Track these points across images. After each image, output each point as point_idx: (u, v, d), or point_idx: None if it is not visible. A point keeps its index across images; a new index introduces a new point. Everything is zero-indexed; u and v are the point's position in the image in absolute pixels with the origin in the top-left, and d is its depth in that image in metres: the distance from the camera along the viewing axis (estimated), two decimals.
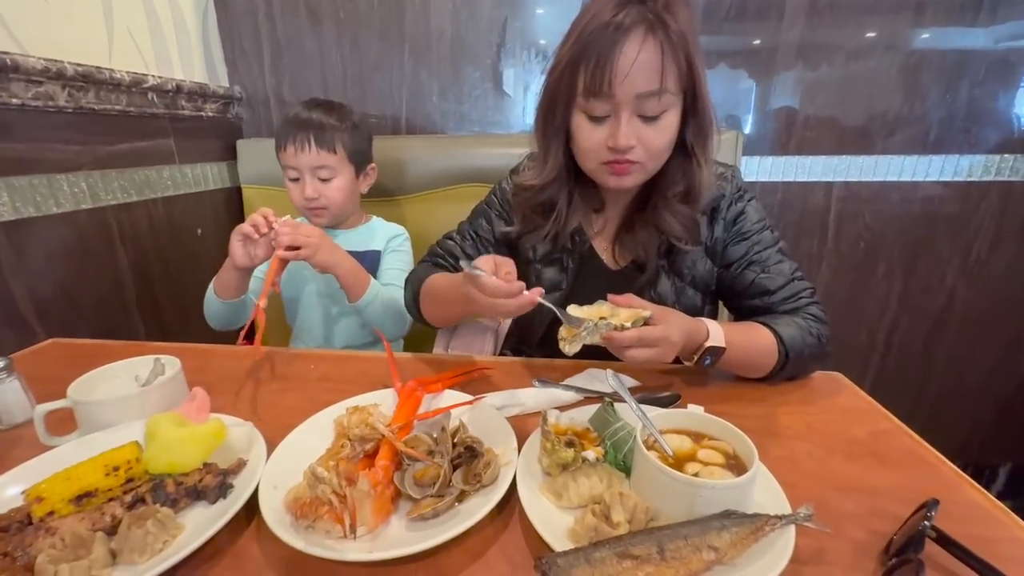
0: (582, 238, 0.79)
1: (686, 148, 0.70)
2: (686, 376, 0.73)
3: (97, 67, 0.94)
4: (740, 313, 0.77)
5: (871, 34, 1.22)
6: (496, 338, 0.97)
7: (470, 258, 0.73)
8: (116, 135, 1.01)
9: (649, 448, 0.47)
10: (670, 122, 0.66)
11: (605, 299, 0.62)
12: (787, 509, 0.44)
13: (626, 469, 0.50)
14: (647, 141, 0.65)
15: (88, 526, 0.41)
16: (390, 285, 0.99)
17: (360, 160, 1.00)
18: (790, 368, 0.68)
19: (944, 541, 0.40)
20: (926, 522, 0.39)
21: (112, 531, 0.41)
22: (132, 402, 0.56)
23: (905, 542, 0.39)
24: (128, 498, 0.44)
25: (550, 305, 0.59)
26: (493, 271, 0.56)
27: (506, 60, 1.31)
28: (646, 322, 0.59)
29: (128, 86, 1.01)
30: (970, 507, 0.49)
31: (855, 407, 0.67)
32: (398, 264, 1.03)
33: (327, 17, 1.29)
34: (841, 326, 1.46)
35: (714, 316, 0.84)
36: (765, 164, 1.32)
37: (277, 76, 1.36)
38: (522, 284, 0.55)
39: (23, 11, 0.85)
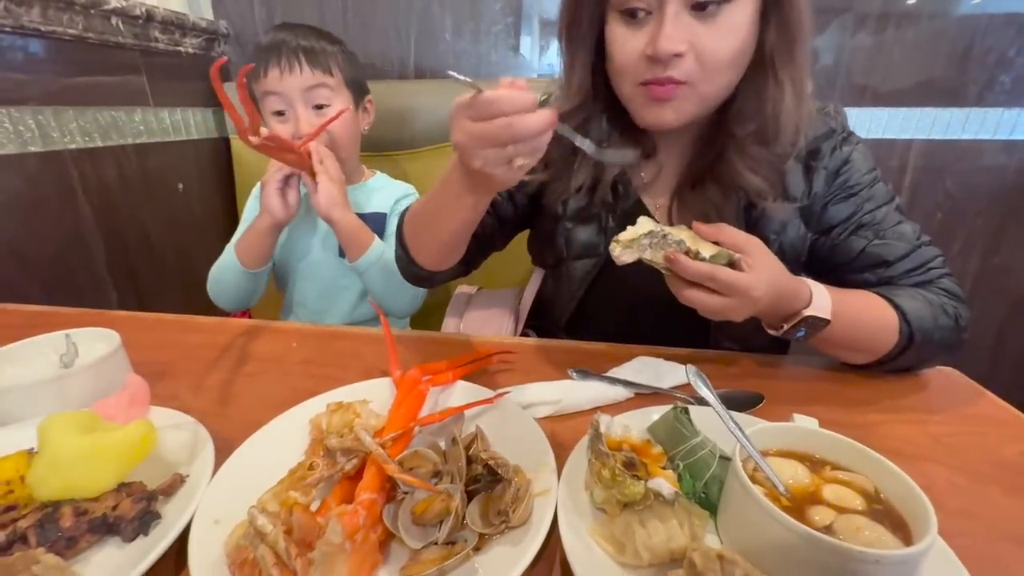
0: (626, 190, 0.62)
1: (764, 63, 0.51)
2: (754, 369, 0.57)
3: None
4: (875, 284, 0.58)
5: None
6: (517, 316, 0.82)
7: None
8: (71, 65, 0.86)
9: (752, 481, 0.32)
10: (738, 20, 0.48)
11: (689, 227, 0.48)
12: None
13: (709, 505, 0.36)
14: (702, 47, 0.48)
15: None
16: None
17: (358, 89, 0.84)
18: (912, 355, 0.52)
19: None
20: None
21: None
22: (46, 390, 0.43)
23: None
24: (1, 536, 0.30)
25: (568, 130, 0.43)
26: (510, 84, 0.38)
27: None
28: (732, 264, 0.46)
29: (84, 6, 0.85)
30: None
31: (991, 416, 0.51)
32: None
33: None
34: None
35: None
36: None
37: (268, 10, 1.18)
38: (535, 96, 0.38)
39: None
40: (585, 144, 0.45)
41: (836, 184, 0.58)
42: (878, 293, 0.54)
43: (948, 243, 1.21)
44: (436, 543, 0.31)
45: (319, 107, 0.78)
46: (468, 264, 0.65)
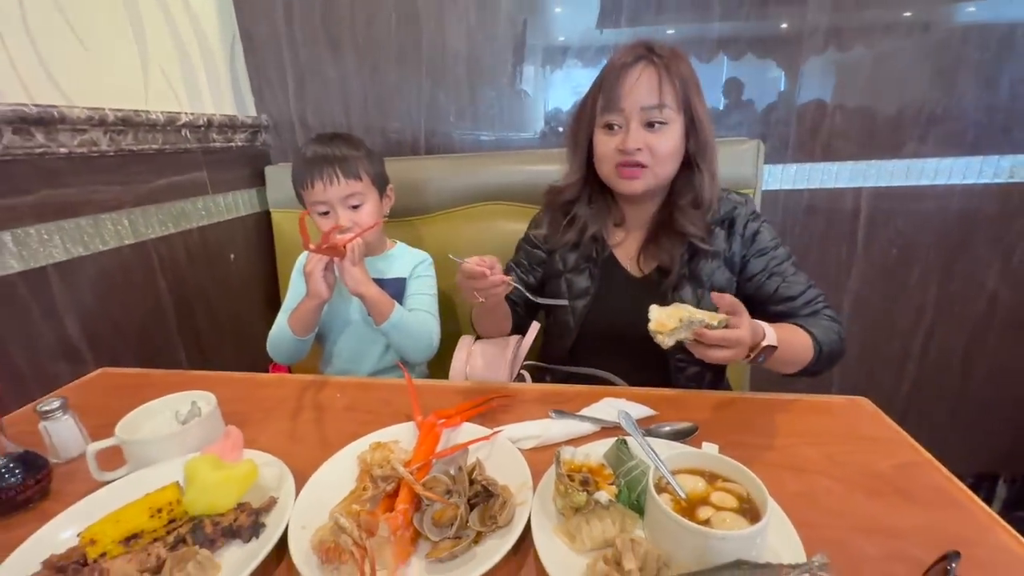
0: (603, 247, 0.90)
1: (691, 161, 0.83)
2: (701, 404, 0.73)
3: (135, 110, 1.00)
4: (764, 318, 0.79)
5: (905, 15, 1.16)
6: (515, 358, 0.98)
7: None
8: (153, 173, 1.07)
9: (661, 490, 0.48)
10: (672, 132, 0.80)
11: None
12: (802, 556, 0.44)
13: (640, 509, 0.51)
14: (653, 145, 0.79)
15: (136, 567, 0.44)
16: (417, 311, 1.01)
17: (381, 183, 1.04)
18: (822, 363, 0.75)
19: None
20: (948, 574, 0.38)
21: (157, 571, 0.45)
22: (174, 440, 0.60)
23: None
24: (171, 539, 0.48)
25: (518, 285, 0.76)
26: (477, 263, 0.69)
27: (529, 60, 1.31)
28: (727, 324, 0.63)
29: (163, 125, 1.07)
30: (1001, 553, 0.47)
31: (880, 436, 0.65)
32: (424, 289, 1.06)
33: (347, 44, 1.33)
34: (874, 334, 1.41)
35: None
36: (789, 172, 1.29)
37: (302, 103, 1.41)
38: (487, 272, 0.68)
39: (68, 63, 0.92)
40: (520, 288, 0.79)
41: (752, 248, 0.85)
42: (794, 324, 0.76)
43: (907, 274, 1.34)
44: (449, 537, 0.47)
45: (355, 206, 0.97)
46: (518, 330, 0.93)
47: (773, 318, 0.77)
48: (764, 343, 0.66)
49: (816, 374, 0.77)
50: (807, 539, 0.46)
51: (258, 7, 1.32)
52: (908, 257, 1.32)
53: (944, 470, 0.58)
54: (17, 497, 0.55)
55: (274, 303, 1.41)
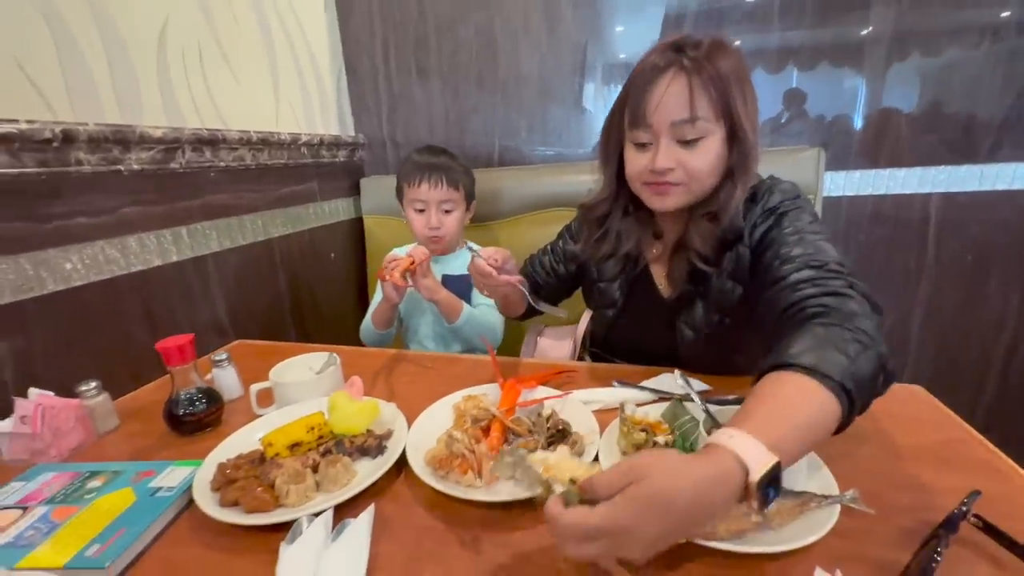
0: (638, 261, 0.87)
1: (726, 173, 0.73)
2: (745, 383, 0.79)
3: (270, 132, 1.23)
4: (772, 320, 0.64)
5: (968, 22, 1.17)
6: (575, 342, 1.09)
7: (544, 268, 0.98)
8: (279, 183, 1.30)
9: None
10: (709, 146, 0.70)
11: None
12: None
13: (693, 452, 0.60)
14: (686, 163, 0.71)
15: (300, 465, 0.59)
16: (482, 306, 1.15)
17: (469, 198, 1.20)
18: (858, 408, 0.47)
19: (987, 529, 0.45)
20: (963, 507, 0.45)
21: (315, 469, 0.60)
22: (312, 385, 0.77)
23: (942, 523, 0.45)
24: (321, 449, 0.63)
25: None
26: (490, 257, 0.75)
27: (591, 78, 1.44)
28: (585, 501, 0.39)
29: (289, 144, 1.29)
30: None
31: (930, 418, 0.69)
32: None
33: (433, 72, 1.53)
34: (948, 342, 1.37)
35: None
36: (852, 178, 1.31)
37: (392, 123, 1.62)
38: (494, 273, 0.75)
39: (226, 95, 1.15)
40: (529, 296, 0.84)
41: (761, 245, 0.72)
42: (775, 367, 0.48)
43: (984, 282, 1.31)
44: None
45: (447, 211, 1.13)
46: (533, 313, 0.99)
47: (777, 312, 0.61)
48: (755, 479, 0.38)
49: (865, 408, 0.48)
50: (844, 489, 0.53)
51: (362, 45, 1.55)
52: (984, 265, 1.29)
53: (990, 446, 0.62)
54: (204, 419, 0.74)
55: (363, 296, 1.61)
